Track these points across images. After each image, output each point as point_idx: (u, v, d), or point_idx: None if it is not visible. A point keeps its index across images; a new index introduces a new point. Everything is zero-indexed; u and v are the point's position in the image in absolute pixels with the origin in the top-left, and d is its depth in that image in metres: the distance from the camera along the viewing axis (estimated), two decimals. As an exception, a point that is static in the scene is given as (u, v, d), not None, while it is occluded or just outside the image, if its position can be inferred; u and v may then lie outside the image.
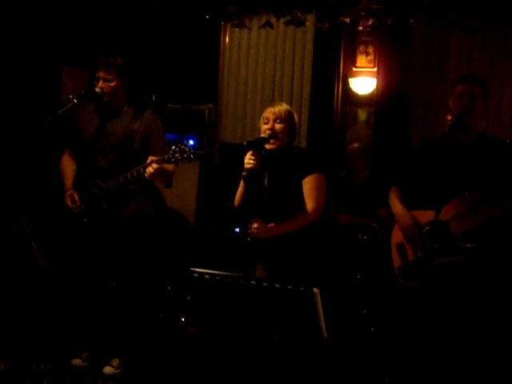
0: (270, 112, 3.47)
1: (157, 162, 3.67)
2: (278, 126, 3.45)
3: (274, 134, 3.44)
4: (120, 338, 4.08)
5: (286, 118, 3.47)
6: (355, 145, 5.55)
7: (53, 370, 3.76)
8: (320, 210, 3.46)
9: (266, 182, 3.48)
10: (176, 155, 3.64)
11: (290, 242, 3.44)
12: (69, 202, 3.98)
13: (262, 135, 3.45)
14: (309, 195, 3.42)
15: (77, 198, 3.97)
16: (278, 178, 3.48)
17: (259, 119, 3.59)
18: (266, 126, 3.46)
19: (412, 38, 6.10)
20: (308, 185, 3.43)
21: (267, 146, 3.45)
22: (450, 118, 5.52)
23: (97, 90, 3.88)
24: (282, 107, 3.49)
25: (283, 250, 3.45)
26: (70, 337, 4.21)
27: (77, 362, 4.06)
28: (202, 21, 6.19)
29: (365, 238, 4.96)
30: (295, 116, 3.55)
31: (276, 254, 3.47)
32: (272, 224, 3.41)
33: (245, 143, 3.40)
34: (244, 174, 3.40)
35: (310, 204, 3.42)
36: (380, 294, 4.62)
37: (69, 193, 4.01)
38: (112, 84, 3.89)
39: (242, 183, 3.54)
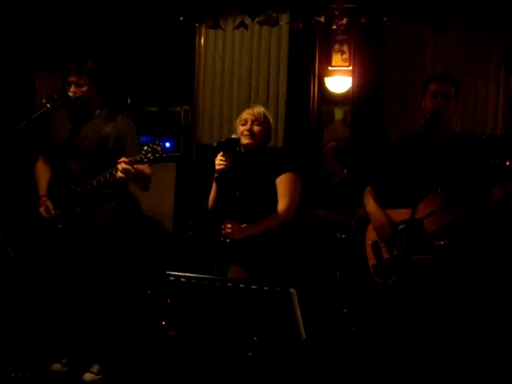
0: (248, 114, 3.47)
1: (128, 162, 3.63)
2: (256, 128, 3.45)
3: (252, 135, 3.44)
4: (100, 343, 4.05)
5: (264, 121, 3.48)
6: (329, 145, 5.57)
7: (31, 377, 3.73)
8: (293, 209, 3.44)
9: (238, 182, 3.47)
10: (148, 155, 3.62)
11: (265, 241, 3.43)
12: (42, 211, 3.94)
13: (233, 136, 3.45)
14: (282, 194, 3.42)
15: (51, 206, 3.93)
16: (252, 177, 3.48)
17: (236, 120, 3.58)
18: (243, 128, 3.46)
19: (386, 36, 6.13)
20: (281, 184, 3.42)
21: (244, 142, 3.45)
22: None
23: (70, 94, 3.85)
24: (261, 109, 3.51)
25: (259, 249, 3.44)
26: (50, 343, 4.17)
27: (57, 366, 4.03)
28: (176, 23, 6.18)
29: (343, 236, 4.97)
30: (270, 119, 3.57)
31: (252, 253, 3.46)
32: (245, 224, 3.41)
33: (215, 144, 3.40)
34: (215, 175, 3.39)
35: (282, 203, 3.41)
36: (359, 292, 4.62)
37: (42, 201, 3.97)
38: (84, 88, 3.86)
39: (214, 185, 3.53)
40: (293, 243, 3.53)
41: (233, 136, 3.45)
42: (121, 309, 4.11)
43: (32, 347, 4.24)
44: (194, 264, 4.98)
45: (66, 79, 3.89)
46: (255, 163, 3.49)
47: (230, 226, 3.36)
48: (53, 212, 3.92)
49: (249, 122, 3.45)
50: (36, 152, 4.15)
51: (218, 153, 3.37)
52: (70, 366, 4.04)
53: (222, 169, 3.36)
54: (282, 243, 3.47)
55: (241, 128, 3.48)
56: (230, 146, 3.39)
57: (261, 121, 3.46)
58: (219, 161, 3.36)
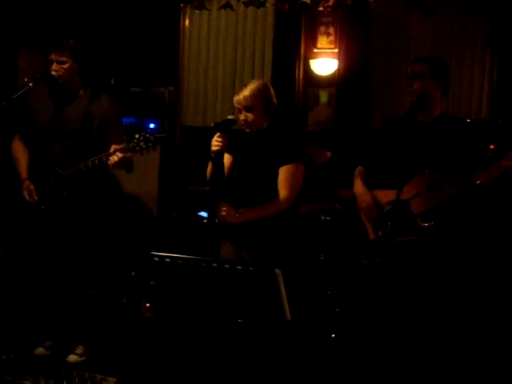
0: (236, 102, 3.40)
1: (121, 150, 3.61)
2: (249, 116, 3.37)
3: (247, 123, 3.39)
4: (84, 325, 4.04)
5: (254, 103, 3.35)
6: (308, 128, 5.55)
7: (15, 360, 3.70)
8: (293, 199, 3.39)
9: (241, 163, 3.42)
10: (141, 144, 3.60)
11: (261, 224, 3.39)
12: (26, 195, 3.89)
13: (229, 117, 3.40)
14: (284, 184, 3.35)
15: (34, 191, 3.88)
16: (255, 161, 3.43)
17: (221, 102, 3.55)
18: (241, 117, 3.41)
19: (372, 18, 6.11)
20: (285, 173, 3.35)
21: (247, 130, 3.41)
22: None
23: (53, 73, 3.79)
24: (246, 92, 3.35)
25: (253, 230, 3.40)
26: (33, 326, 4.15)
27: (40, 350, 4.01)
28: (161, 2, 6.12)
29: (328, 218, 4.97)
30: (268, 89, 3.42)
31: (242, 235, 3.42)
32: (242, 209, 3.36)
33: (212, 125, 3.36)
34: (212, 155, 3.36)
35: (284, 192, 3.35)
36: (344, 274, 4.64)
37: (25, 185, 3.90)
38: (65, 66, 3.80)
39: (210, 164, 3.47)
40: (290, 230, 3.48)
41: (229, 117, 3.40)
42: (105, 290, 4.09)
43: (15, 329, 4.21)
44: (178, 246, 4.97)
45: (48, 58, 3.84)
46: (259, 147, 3.43)
47: (225, 208, 3.32)
48: (35, 198, 3.88)
49: (242, 111, 3.39)
50: (13, 131, 4.08)
51: (215, 133, 3.33)
52: (53, 349, 4.02)
53: (218, 149, 3.32)
54: (279, 228, 3.42)
55: (240, 117, 3.43)
56: (226, 127, 3.35)
57: (249, 106, 3.36)
58: (215, 141, 3.32)
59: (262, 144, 3.43)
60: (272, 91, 3.45)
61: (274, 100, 3.46)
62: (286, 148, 3.40)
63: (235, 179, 3.46)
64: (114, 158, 3.63)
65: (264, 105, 3.39)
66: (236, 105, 3.40)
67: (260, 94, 3.37)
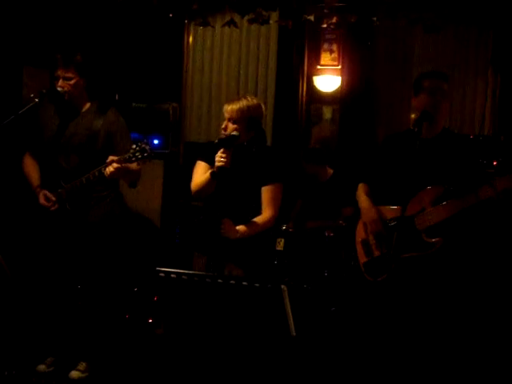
0: (225, 110, 3.45)
1: (117, 161, 3.63)
2: (230, 126, 3.41)
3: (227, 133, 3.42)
4: (86, 341, 4.02)
5: (239, 118, 3.40)
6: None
7: (17, 376, 3.69)
8: (276, 217, 3.53)
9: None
10: (137, 154, 3.60)
11: (254, 242, 3.47)
12: (42, 199, 3.87)
13: (234, 133, 3.41)
14: (270, 203, 3.47)
15: (49, 194, 3.86)
16: (238, 175, 3.46)
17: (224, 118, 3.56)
18: (222, 124, 3.46)
19: (375, 35, 6.14)
20: (269, 193, 3.46)
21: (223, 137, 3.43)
22: (413, 115, 5.61)
23: (58, 89, 3.80)
24: (235, 106, 3.40)
25: (249, 248, 3.46)
26: (35, 342, 4.13)
27: (42, 367, 3.97)
28: (165, 19, 6.15)
29: (331, 235, 4.96)
30: (257, 109, 3.46)
31: (243, 252, 3.46)
32: (242, 226, 3.40)
33: (216, 141, 3.36)
34: (214, 170, 3.36)
35: (271, 211, 3.47)
36: (348, 290, 4.62)
37: (38, 191, 3.89)
38: (72, 82, 3.81)
39: (208, 176, 3.46)
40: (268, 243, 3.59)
41: (233, 133, 3.40)
42: (108, 306, 4.07)
43: (17, 346, 4.19)
44: (181, 261, 4.95)
45: (54, 74, 3.86)
46: (240, 162, 3.46)
47: (227, 225, 3.35)
48: (53, 199, 3.86)
49: (226, 120, 3.43)
50: (23, 148, 4.10)
51: (219, 149, 3.34)
52: (55, 365, 4.00)
53: (222, 165, 3.31)
54: (264, 243, 3.59)
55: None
56: (230, 143, 3.35)
57: (234, 118, 3.39)
58: (219, 157, 3.31)
59: (242, 160, 3.46)
60: (263, 111, 3.51)
61: (261, 120, 3.53)
62: (269, 167, 3.49)
63: (218, 193, 3.48)
64: (109, 169, 3.64)
65: (247, 122, 3.43)
66: (224, 112, 3.46)
67: (247, 112, 3.42)
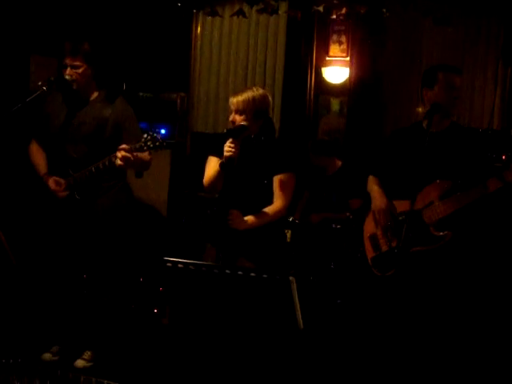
0: (231, 102, 3.42)
1: (127, 150, 3.60)
2: (237, 118, 3.39)
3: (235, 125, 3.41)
4: (92, 330, 4.02)
5: (246, 109, 3.37)
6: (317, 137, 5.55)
7: (22, 364, 3.68)
8: (288, 207, 3.50)
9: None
10: (148, 143, 3.57)
11: (264, 233, 3.44)
12: (53, 185, 3.85)
13: (242, 123, 3.39)
14: (281, 192, 3.43)
15: (58, 178, 3.84)
16: (249, 167, 3.44)
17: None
18: (230, 117, 3.43)
19: (385, 27, 6.09)
20: (281, 182, 3.42)
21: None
22: (420, 109, 5.58)
23: (66, 77, 3.79)
24: (241, 97, 3.38)
25: (259, 240, 3.44)
26: (40, 330, 4.14)
27: (47, 356, 3.99)
28: (174, 8, 6.12)
29: (338, 227, 4.94)
30: (264, 100, 3.43)
31: (252, 244, 3.44)
32: (250, 216, 3.38)
33: (225, 131, 3.34)
34: (222, 161, 3.34)
35: (282, 201, 3.44)
36: (354, 283, 4.61)
37: (50, 178, 3.86)
38: (80, 70, 3.79)
39: (217, 168, 3.44)
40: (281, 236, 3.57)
41: (242, 123, 3.39)
42: (114, 295, 4.07)
43: (23, 334, 4.20)
44: (187, 251, 4.94)
45: (62, 62, 3.84)
46: (250, 152, 3.44)
47: (235, 215, 3.33)
48: (63, 182, 3.84)
49: (233, 112, 3.41)
50: (30, 135, 4.08)
51: (228, 139, 3.31)
52: (61, 354, 4.00)
53: (230, 156, 3.29)
54: (277, 236, 3.54)
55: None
56: (239, 133, 3.33)
57: (241, 110, 3.37)
58: (228, 147, 3.28)
59: (251, 151, 3.44)
60: (269, 101, 3.48)
61: (268, 110, 3.49)
62: (281, 156, 3.46)
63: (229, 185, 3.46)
64: (120, 157, 3.60)
65: (253, 113, 3.40)
66: (230, 105, 3.43)
67: (253, 102, 3.39)
